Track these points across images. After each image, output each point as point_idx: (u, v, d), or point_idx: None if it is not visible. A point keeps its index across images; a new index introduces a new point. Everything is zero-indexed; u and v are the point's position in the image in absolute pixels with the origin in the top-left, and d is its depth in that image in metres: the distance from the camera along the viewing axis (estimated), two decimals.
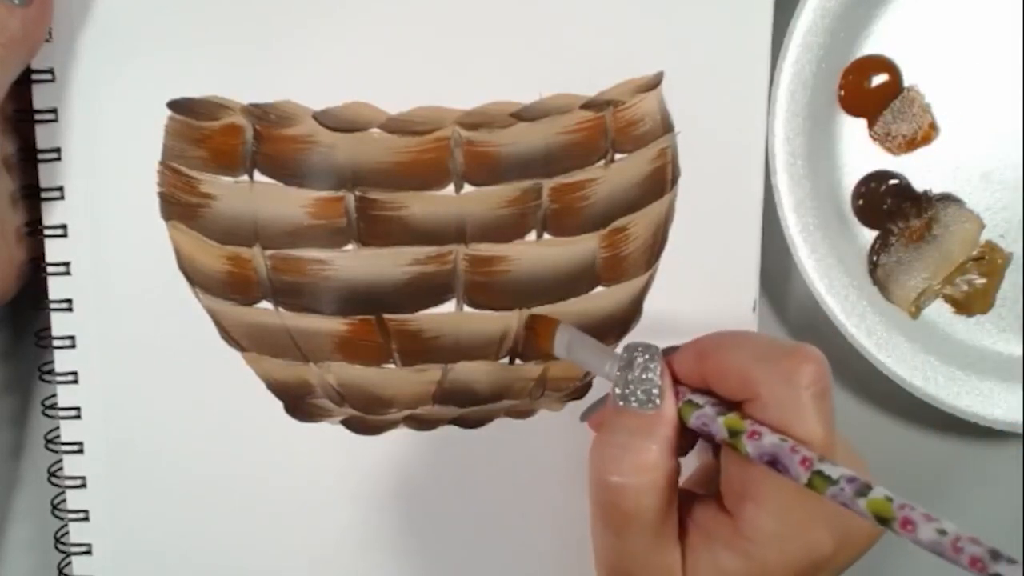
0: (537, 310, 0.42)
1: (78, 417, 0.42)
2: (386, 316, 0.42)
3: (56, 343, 0.41)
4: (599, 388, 0.43)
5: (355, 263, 0.41)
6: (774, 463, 0.30)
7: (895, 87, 0.45)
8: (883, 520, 0.28)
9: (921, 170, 0.45)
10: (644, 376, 0.33)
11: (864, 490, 0.28)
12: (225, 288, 0.41)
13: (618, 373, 0.33)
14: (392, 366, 0.42)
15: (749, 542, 0.31)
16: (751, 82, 0.42)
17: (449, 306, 0.42)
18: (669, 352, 0.34)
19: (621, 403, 0.33)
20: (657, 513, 0.32)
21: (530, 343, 0.42)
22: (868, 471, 0.33)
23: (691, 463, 0.38)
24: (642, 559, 0.33)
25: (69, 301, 0.41)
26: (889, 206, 0.45)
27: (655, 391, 0.33)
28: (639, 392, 0.33)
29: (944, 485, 0.47)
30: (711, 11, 0.42)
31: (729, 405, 0.32)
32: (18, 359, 0.44)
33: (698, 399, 0.33)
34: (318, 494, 0.43)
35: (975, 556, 0.25)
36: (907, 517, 0.27)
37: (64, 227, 0.41)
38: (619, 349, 0.35)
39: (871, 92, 0.45)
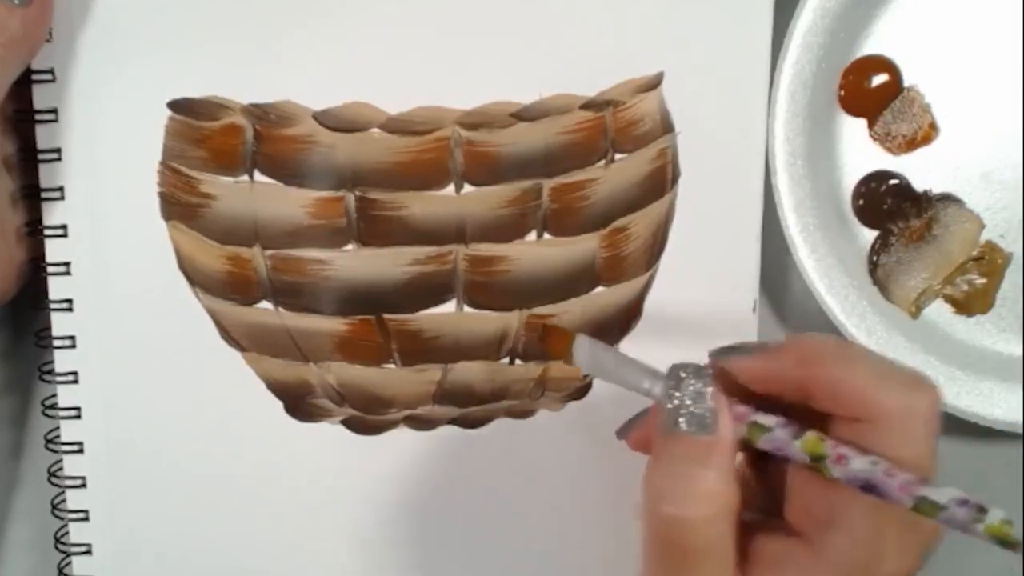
0: (538, 310, 0.42)
1: (78, 417, 0.42)
2: (386, 316, 0.42)
3: (56, 343, 0.41)
4: (600, 389, 0.43)
5: (355, 263, 0.41)
6: (868, 488, 0.28)
7: (895, 87, 0.45)
8: (1008, 545, 0.27)
9: (921, 170, 0.45)
10: (696, 400, 0.30)
11: (980, 514, 0.27)
12: (225, 288, 0.41)
13: (666, 396, 0.31)
14: (392, 366, 0.42)
15: (835, 569, 0.29)
16: (751, 82, 0.42)
17: (449, 306, 0.42)
18: (734, 352, 0.32)
19: (671, 428, 0.30)
20: (720, 547, 0.29)
21: (541, 351, 0.40)
22: None
23: None
24: None
25: (69, 301, 0.41)
26: (889, 206, 0.45)
27: (708, 416, 0.30)
28: (692, 417, 0.30)
29: (944, 485, 0.47)
30: (711, 11, 0.42)
31: (805, 418, 0.30)
32: (18, 359, 0.44)
33: (765, 421, 0.30)
34: (318, 494, 0.43)
35: None
36: None
37: (64, 227, 0.41)
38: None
39: (871, 92, 0.45)
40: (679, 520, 0.29)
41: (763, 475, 0.33)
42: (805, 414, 0.30)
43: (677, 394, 0.31)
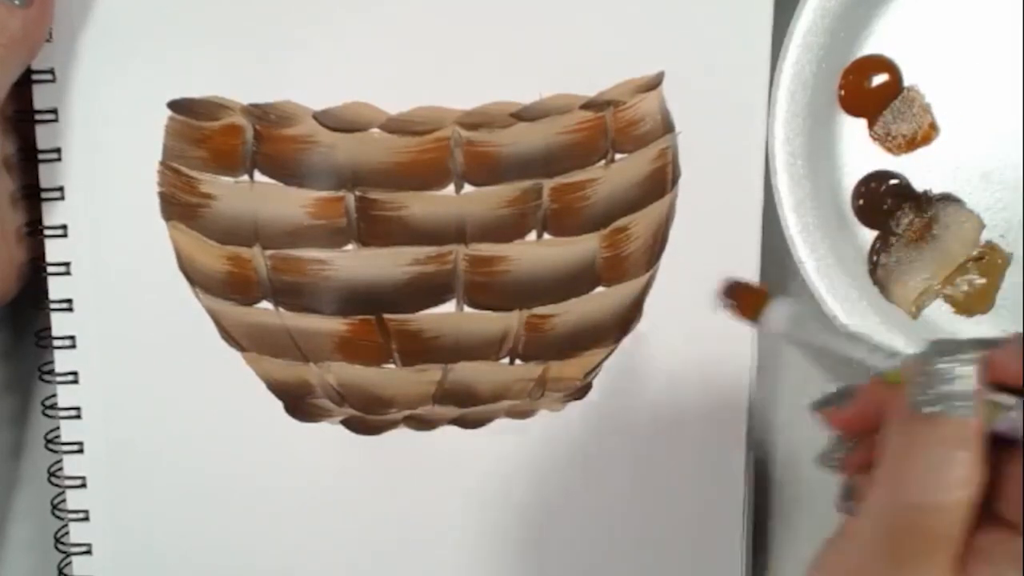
0: (538, 310, 0.42)
1: (78, 417, 0.42)
2: (386, 316, 0.42)
3: (56, 343, 0.41)
4: (599, 388, 0.43)
5: (355, 263, 0.41)
6: None
7: (895, 87, 0.44)
8: None
9: (921, 170, 0.45)
10: (962, 380, 0.28)
11: None
12: (225, 288, 0.41)
13: (922, 372, 0.28)
14: (392, 366, 0.42)
15: None
16: (751, 82, 0.42)
17: (449, 306, 0.42)
18: (991, 344, 0.29)
19: (924, 408, 0.28)
20: (959, 536, 0.28)
21: (730, 310, 0.35)
22: None
23: None
24: None
25: (69, 301, 0.41)
26: (889, 206, 0.45)
27: (971, 396, 0.28)
28: (955, 397, 0.28)
29: None
30: (711, 11, 0.42)
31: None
32: (18, 359, 0.44)
33: (1006, 400, 0.28)
34: (318, 494, 0.43)
35: None
36: None
37: (64, 227, 0.41)
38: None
39: (871, 92, 0.44)
40: (933, 506, 0.28)
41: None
42: None
43: (939, 372, 0.28)
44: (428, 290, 0.42)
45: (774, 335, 0.33)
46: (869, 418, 0.31)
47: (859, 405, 0.31)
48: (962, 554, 0.28)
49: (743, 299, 0.34)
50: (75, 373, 0.41)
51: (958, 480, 0.28)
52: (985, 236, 0.45)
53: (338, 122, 0.40)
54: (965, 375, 0.28)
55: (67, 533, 0.42)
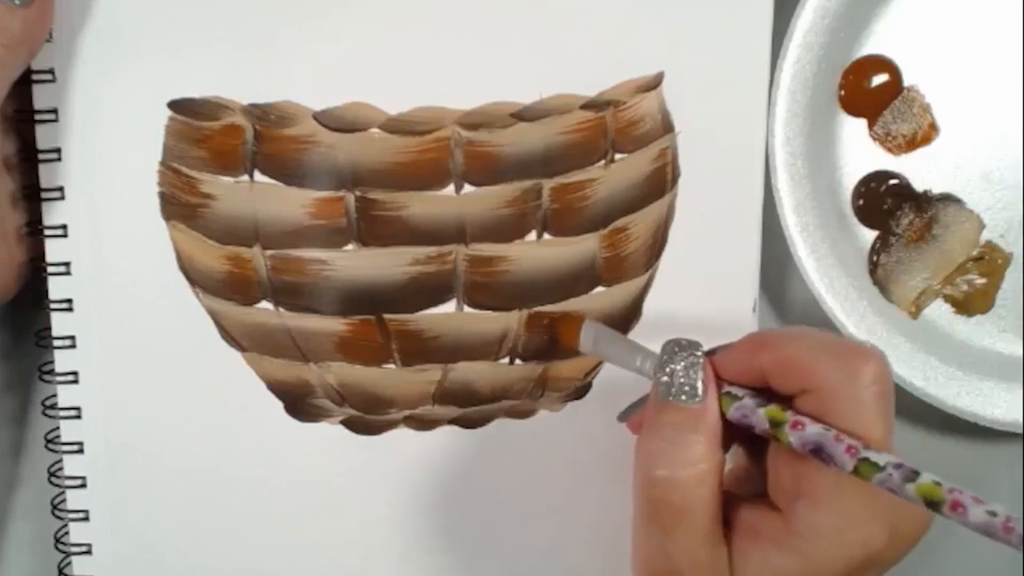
0: (538, 310, 0.42)
1: (78, 417, 0.42)
2: (386, 316, 0.42)
3: (56, 343, 0.41)
4: (599, 389, 0.43)
5: (355, 263, 0.41)
6: (818, 452, 0.30)
7: (895, 87, 0.45)
8: (932, 504, 0.28)
9: (921, 170, 0.45)
10: (687, 370, 0.33)
11: (912, 475, 0.28)
12: (225, 288, 0.41)
13: (659, 369, 0.34)
14: (392, 366, 0.42)
15: (803, 540, 0.31)
16: (751, 82, 0.42)
17: (449, 306, 0.42)
18: (720, 350, 0.34)
19: (662, 398, 0.33)
20: (707, 507, 0.32)
21: (552, 340, 0.42)
22: None
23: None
24: (691, 556, 0.32)
25: (69, 301, 0.41)
26: (889, 206, 0.45)
27: (699, 385, 0.33)
28: (682, 386, 0.33)
29: (945, 483, 0.47)
30: (711, 11, 0.42)
31: (777, 400, 0.32)
32: (18, 359, 0.44)
33: (737, 391, 0.33)
34: (318, 494, 0.43)
35: None
36: (957, 500, 0.27)
37: (64, 227, 0.41)
38: (653, 347, 0.35)
39: (871, 92, 0.45)
40: (669, 480, 0.32)
41: (758, 460, 0.35)
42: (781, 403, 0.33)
43: (671, 366, 0.34)
44: (428, 290, 0.42)
45: (590, 354, 0.39)
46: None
47: (644, 410, 0.35)
48: (731, 529, 0.33)
49: (560, 328, 0.41)
50: (75, 373, 0.41)
51: (689, 458, 0.32)
52: (985, 236, 0.45)
53: (338, 122, 0.40)
54: (693, 368, 0.33)
55: (67, 533, 0.42)
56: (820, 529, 0.31)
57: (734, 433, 0.34)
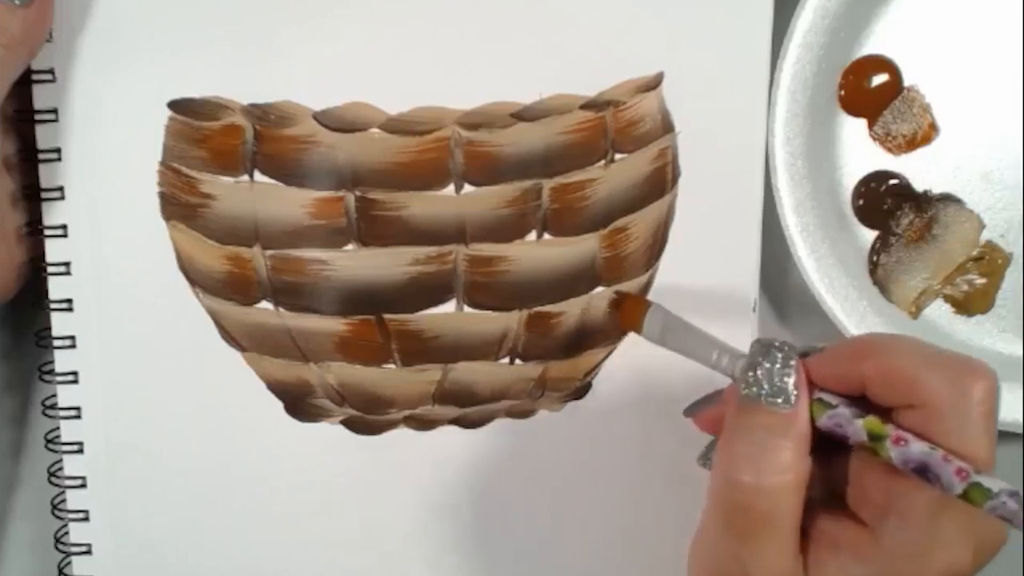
0: (538, 310, 0.42)
1: (78, 417, 0.42)
2: (386, 316, 0.42)
3: (56, 343, 0.41)
4: (599, 389, 0.43)
5: (355, 263, 0.41)
6: (923, 471, 0.29)
7: (895, 87, 0.45)
8: None
9: (921, 170, 0.45)
10: (780, 372, 0.31)
11: None
12: (225, 288, 0.41)
13: (748, 368, 0.32)
14: (392, 366, 0.42)
15: (890, 557, 0.30)
16: (751, 82, 0.42)
17: (449, 306, 0.42)
18: (812, 352, 0.33)
19: (750, 399, 0.32)
20: (790, 517, 0.31)
21: (615, 318, 0.40)
22: None
23: None
24: (766, 567, 0.31)
25: (69, 301, 0.41)
26: (889, 206, 0.45)
27: (791, 389, 0.31)
28: (774, 389, 0.31)
29: None
30: (711, 11, 0.42)
31: (872, 411, 0.31)
32: (18, 359, 0.44)
33: (830, 399, 0.31)
34: (318, 494, 0.43)
35: None
36: None
37: (64, 227, 0.41)
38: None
39: (871, 92, 0.45)
40: (756, 487, 0.30)
41: (827, 465, 0.33)
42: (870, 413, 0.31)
43: (762, 367, 0.32)
44: (428, 290, 0.42)
45: (655, 342, 0.36)
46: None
47: (719, 407, 0.34)
48: (807, 539, 0.31)
49: (625, 309, 0.38)
50: (75, 373, 0.41)
51: (777, 465, 0.31)
52: (985, 236, 0.45)
53: (338, 122, 0.40)
54: (788, 370, 0.31)
55: (67, 533, 0.42)
56: (911, 548, 0.30)
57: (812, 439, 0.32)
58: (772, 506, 0.30)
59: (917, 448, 0.29)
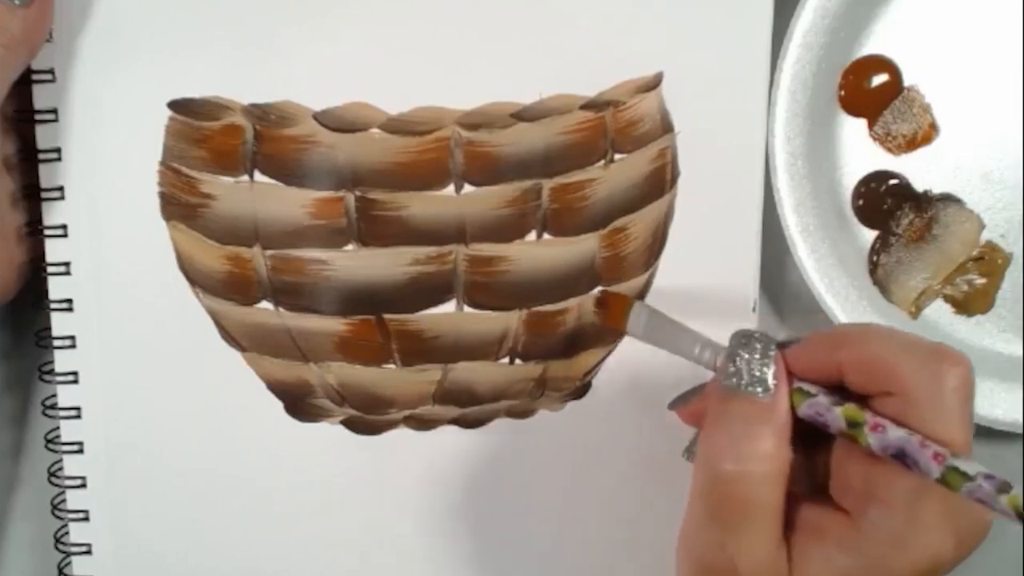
0: (537, 310, 0.42)
1: (78, 417, 0.42)
2: (386, 316, 0.42)
3: (56, 343, 0.41)
4: (599, 388, 0.43)
5: (355, 263, 0.41)
6: (901, 457, 0.29)
7: (895, 87, 0.45)
8: None
9: (921, 170, 0.45)
10: (759, 361, 0.32)
11: (1006, 487, 0.28)
12: (225, 288, 0.41)
13: (728, 359, 0.32)
14: (392, 366, 0.42)
15: (872, 544, 0.30)
16: (751, 82, 0.42)
17: (449, 306, 0.42)
18: (791, 343, 0.33)
19: (729, 389, 0.32)
20: (772, 505, 0.31)
21: (598, 316, 0.41)
22: None
23: None
24: (750, 555, 0.31)
25: (69, 301, 0.41)
26: (889, 206, 0.45)
27: (770, 377, 0.32)
28: (752, 378, 0.32)
29: None
30: (711, 11, 0.42)
31: (848, 399, 0.31)
32: (18, 359, 0.44)
33: (809, 387, 0.32)
34: (318, 494, 0.43)
35: None
36: None
37: (64, 227, 0.41)
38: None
39: (871, 92, 0.45)
40: (738, 475, 0.31)
41: (811, 457, 0.34)
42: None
43: (741, 357, 0.32)
44: (428, 290, 0.42)
45: (639, 338, 0.37)
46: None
47: (702, 400, 0.34)
48: (792, 528, 0.32)
49: (609, 307, 0.39)
50: (75, 373, 0.41)
51: (757, 453, 0.31)
52: (985, 236, 0.45)
53: (338, 122, 0.40)
54: (766, 360, 0.32)
55: (67, 533, 0.42)
56: (893, 534, 0.30)
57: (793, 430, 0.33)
58: (753, 494, 0.31)
59: (895, 434, 0.30)
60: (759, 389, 0.32)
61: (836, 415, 0.31)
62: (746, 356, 0.32)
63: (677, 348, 0.35)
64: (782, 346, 0.33)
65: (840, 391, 0.32)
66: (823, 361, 0.32)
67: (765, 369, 0.32)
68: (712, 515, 0.32)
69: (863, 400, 0.31)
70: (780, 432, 0.31)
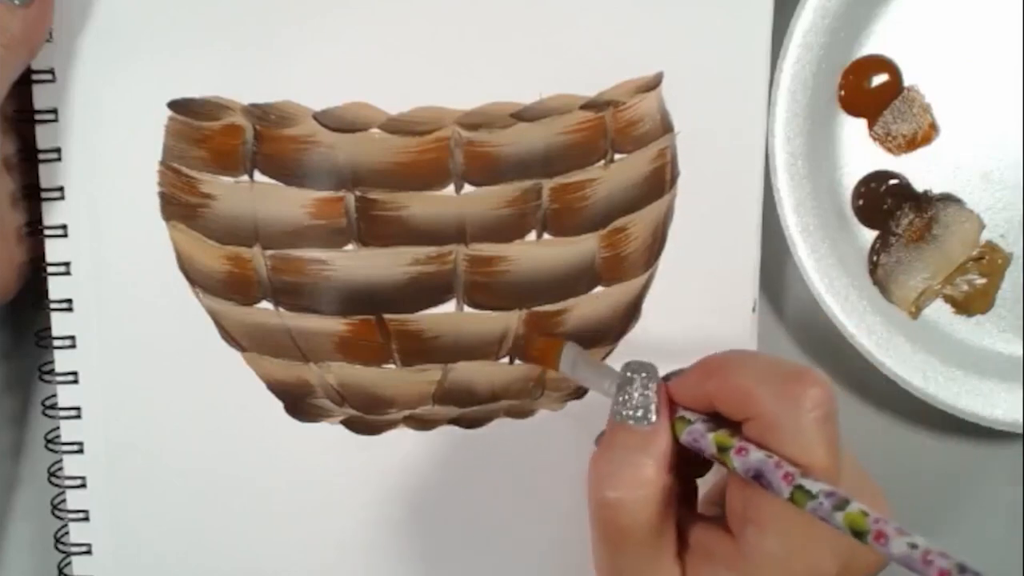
0: (538, 310, 0.42)
1: (78, 417, 0.42)
2: (386, 316, 0.42)
3: (56, 343, 0.41)
4: None
5: (355, 263, 0.41)
6: (759, 478, 0.30)
7: (895, 87, 0.45)
8: (858, 533, 0.28)
9: (921, 170, 0.45)
10: (641, 394, 0.34)
11: (842, 504, 0.29)
12: (225, 288, 0.41)
13: (618, 391, 0.34)
14: (392, 366, 0.42)
15: (751, 564, 0.31)
16: (751, 82, 0.42)
17: (449, 306, 0.42)
18: (674, 375, 0.34)
19: (618, 419, 0.34)
20: (653, 528, 0.32)
21: (531, 360, 0.42)
22: (883, 498, 0.33)
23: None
24: (639, 574, 0.33)
25: (69, 301, 0.41)
26: (889, 206, 0.45)
27: (652, 408, 0.33)
28: (636, 409, 0.34)
29: (944, 485, 0.47)
30: (711, 11, 0.42)
31: (730, 426, 0.32)
32: (18, 359, 0.44)
33: (689, 415, 0.33)
34: (318, 494, 0.43)
35: (944, 570, 0.26)
36: (880, 530, 0.28)
37: (64, 227, 0.41)
38: (617, 364, 0.35)
39: (871, 92, 0.45)
40: (616, 502, 0.32)
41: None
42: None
43: (627, 389, 0.34)
44: (428, 290, 0.42)
45: (570, 378, 0.39)
46: None
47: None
48: (687, 550, 0.33)
49: (541, 350, 0.41)
50: (75, 373, 0.41)
51: (636, 480, 0.32)
52: (985, 236, 0.45)
53: (338, 122, 0.41)
54: (647, 391, 0.34)
55: (67, 533, 0.42)
56: (766, 555, 0.31)
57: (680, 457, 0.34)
58: (630, 519, 0.32)
59: (755, 456, 0.31)
60: (641, 419, 0.33)
61: (709, 441, 0.32)
62: (630, 389, 0.34)
63: (595, 384, 0.37)
64: (668, 378, 0.34)
65: (720, 418, 0.33)
66: (697, 391, 0.33)
67: (648, 400, 0.34)
68: (602, 539, 0.33)
69: (737, 426, 0.32)
70: (659, 459, 0.33)
